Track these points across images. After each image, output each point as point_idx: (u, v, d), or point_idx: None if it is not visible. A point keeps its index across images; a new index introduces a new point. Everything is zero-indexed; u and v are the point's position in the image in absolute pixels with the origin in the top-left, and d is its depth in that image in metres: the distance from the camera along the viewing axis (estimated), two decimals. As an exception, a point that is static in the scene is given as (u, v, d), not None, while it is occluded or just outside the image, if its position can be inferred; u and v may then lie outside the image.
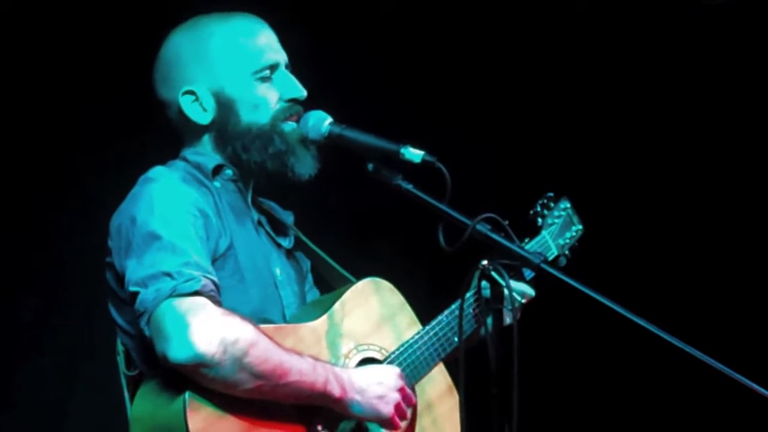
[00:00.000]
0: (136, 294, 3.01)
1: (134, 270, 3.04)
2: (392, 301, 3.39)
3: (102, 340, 3.36)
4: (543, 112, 5.35)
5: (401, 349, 3.31)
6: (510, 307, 2.85)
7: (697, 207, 5.30)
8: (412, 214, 3.11)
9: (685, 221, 5.32)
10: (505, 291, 2.84)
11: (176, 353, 2.93)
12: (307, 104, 3.34)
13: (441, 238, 2.91)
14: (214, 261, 3.15)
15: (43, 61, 4.49)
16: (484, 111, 5.28)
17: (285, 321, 3.29)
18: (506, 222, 2.96)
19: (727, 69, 5.22)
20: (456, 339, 3.33)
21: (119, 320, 3.20)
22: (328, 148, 3.28)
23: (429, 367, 3.35)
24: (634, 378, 5.31)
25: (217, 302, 3.02)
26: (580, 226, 3.76)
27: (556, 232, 3.69)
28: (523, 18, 5.28)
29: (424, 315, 3.41)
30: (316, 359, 3.11)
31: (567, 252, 3.72)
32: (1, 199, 4.45)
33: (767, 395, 2.80)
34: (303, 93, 3.33)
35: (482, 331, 3.35)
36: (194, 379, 2.96)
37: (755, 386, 2.79)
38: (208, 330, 2.94)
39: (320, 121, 3.26)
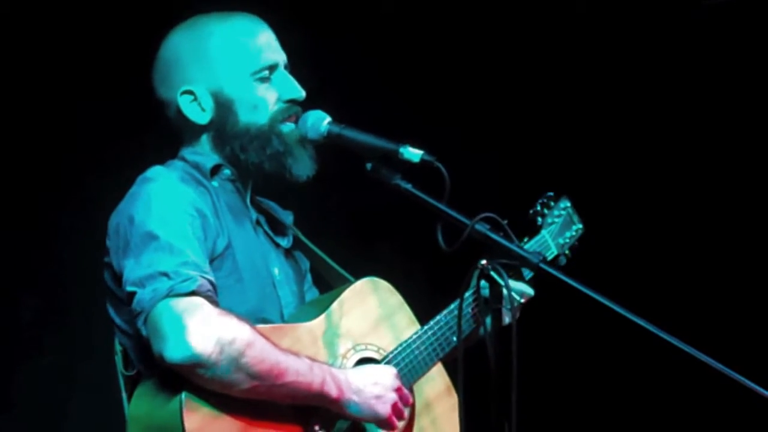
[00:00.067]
0: (133, 294, 3.01)
1: (132, 270, 3.04)
2: (390, 301, 3.39)
3: (101, 340, 3.36)
4: (543, 112, 5.34)
5: (399, 349, 3.31)
6: (509, 307, 2.85)
7: (697, 207, 5.30)
8: (411, 213, 3.11)
9: (685, 221, 5.32)
10: (504, 290, 2.84)
11: (173, 353, 2.93)
12: (307, 104, 3.34)
13: (440, 238, 2.91)
14: (211, 261, 3.15)
15: (43, 62, 4.49)
16: (483, 110, 5.27)
17: (283, 321, 3.29)
18: (505, 221, 2.96)
19: (727, 69, 5.22)
20: (454, 339, 3.32)
21: (117, 320, 3.21)
22: (327, 147, 3.28)
23: (427, 367, 3.34)
24: (634, 378, 5.31)
25: (214, 302, 3.02)
26: (581, 226, 3.75)
27: (556, 231, 3.68)
28: (523, 18, 5.28)
29: (423, 315, 3.41)
30: (313, 359, 3.10)
31: (567, 251, 3.72)
32: (1, 199, 4.45)
33: (767, 395, 2.79)
34: (302, 94, 3.33)
35: (481, 330, 3.34)
36: (191, 379, 2.96)
37: (754, 386, 2.79)
38: (204, 330, 2.94)
39: (319, 121, 3.25)
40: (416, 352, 3.32)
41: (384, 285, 3.39)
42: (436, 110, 5.15)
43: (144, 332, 3.00)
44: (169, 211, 3.10)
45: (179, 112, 3.30)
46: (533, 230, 3.64)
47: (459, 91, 5.25)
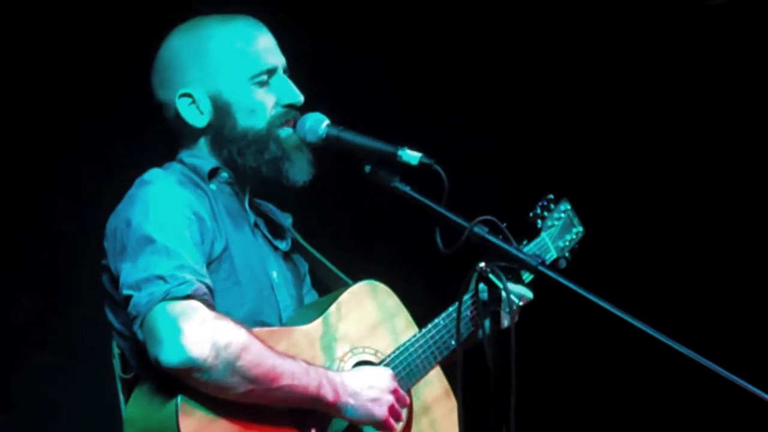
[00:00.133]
0: (129, 297, 3.01)
1: (128, 273, 3.04)
2: (388, 304, 3.39)
3: (101, 341, 3.36)
4: (543, 113, 5.34)
5: (397, 352, 3.30)
6: (508, 310, 2.84)
7: (697, 208, 5.30)
8: (410, 216, 3.10)
9: (685, 223, 5.31)
10: (503, 293, 2.84)
11: (168, 357, 2.93)
12: (306, 105, 3.34)
13: (438, 241, 2.91)
14: (209, 264, 3.15)
15: (42, 62, 4.48)
16: (483, 112, 5.27)
17: (281, 323, 3.29)
18: (504, 224, 2.95)
19: (727, 70, 5.21)
20: (453, 342, 3.32)
21: (115, 323, 3.21)
22: (325, 150, 3.27)
23: (425, 371, 3.34)
24: (632, 380, 5.31)
25: (210, 306, 3.02)
26: (581, 228, 3.75)
27: (556, 234, 3.67)
28: (523, 18, 5.27)
29: (421, 318, 3.40)
30: (310, 363, 3.10)
31: (567, 254, 3.71)
32: (1, 199, 4.45)
33: (765, 398, 2.79)
34: (300, 98, 3.32)
35: (480, 333, 3.34)
36: (187, 382, 2.96)
37: (753, 389, 2.78)
38: (200, 334, 2.94)
39: (317, 123, 3.25)
40: (414, 355, 3.32)
41: (382, 288, 3.39)
42: (435, 111, 5.15)
43: (140, 336, 3.00)
44: (166, 215, 3.10)
45: (177, 114, 3.29)
46: (533, 233, 3.63)
47: (458, 92, 5.24)
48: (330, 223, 4.81)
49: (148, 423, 3.03)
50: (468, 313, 3.38)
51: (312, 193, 3.38)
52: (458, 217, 2.95)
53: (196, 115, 3.29)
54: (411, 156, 3.04)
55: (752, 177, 5.26)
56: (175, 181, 3.22)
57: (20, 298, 4.52)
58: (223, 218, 3.26)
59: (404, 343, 3.32)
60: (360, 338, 3.29)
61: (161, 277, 2.98)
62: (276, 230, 3.45)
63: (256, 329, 3.08)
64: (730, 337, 5.03)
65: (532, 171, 5.14)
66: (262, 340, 3.03)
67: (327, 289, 3.45)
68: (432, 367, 3.35)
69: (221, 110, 3.28)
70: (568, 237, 3.71)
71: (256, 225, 3.38)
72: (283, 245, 3.45)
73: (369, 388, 3.14)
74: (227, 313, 3.05)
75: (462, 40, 5.25)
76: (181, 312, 2.95)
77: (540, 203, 3.67)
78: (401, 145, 3.07)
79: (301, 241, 3.48)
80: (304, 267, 3.52)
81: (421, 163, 3.02)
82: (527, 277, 3.33)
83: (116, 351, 3.23)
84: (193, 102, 3.28)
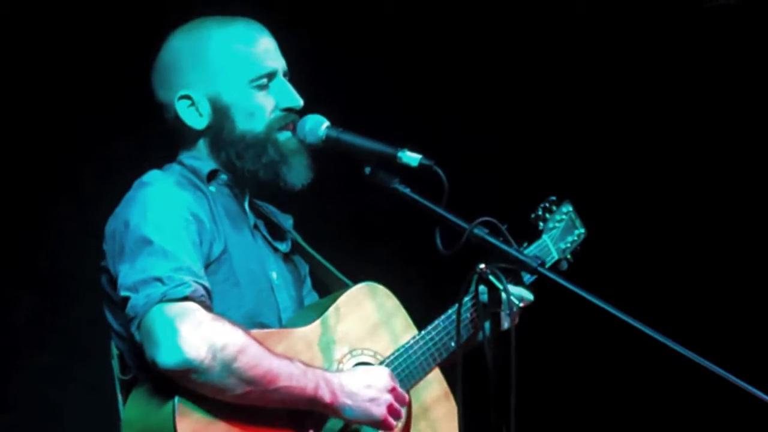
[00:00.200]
0: (127, 299, 3.01)
1: (126, 275, 3.04)
2: (388, 306, 3.38)
3: (100, 341, 3.36)
4: (543, 113, 5.34)
5: (396, 353, 3.30)
6: (508, 312, 2.84)
7: (699, 210, 5.29)
8: (410, 217, 3.10)
9: (686, 224, 5.31)
10: (503, 295, 2.83)
11: (165, 359, 2.93)
12: (305, 107, 3.33)
13: (438, 242, 2.91)
14: (207, 266, 3.15)
15: (42, 62, 4.48)
16: (483, 112, 5.26)
17: (281, 325, 3.29)
18: (504, 226, 2.95)
19: (728, 70, 5.21)
20: (453, 344, 3.32)
21: (114, 324, 3.21)
22: (325, 151, 3.27)
23: (425, 372, 3.33)
24: (633, 382, 5.31)
25: (208, 307, 3.02)
26: (583, 230, 3.75)
27: (558, 236, 3.67)
28: (523, 19, 5.27)
29: (421, 319, 3.40)
30: (307, 365, 3.09)
31: (568, 256, 3.71)
32: (1, 199, 4.44)
33: (765, 399, 2.78)
34: (299, 102, 3.32)
35: (480, 335, 3.33)
36: (184, 384, 2.96)
37: (754, 390, 2.78)
38: (196, 335, 2.94)
39: (317, 125, 3.25)
40: (413, 357, 3.31)
41: (381, 289, 3.38)
42: (435, 112, 5.14)
43: (137, 337, 3.00)
44: (165, 216, 3.10)
45: (177, 116, 3.29)
46: (534, 235, 3.63)
47: (458, 93, 5.24)
48: (330, 225, 4.81)
49: (146, 424, 3.03)
50: (468, 314, 3.38)
51: (312, 194, 3.37)
52: (458, 218, 2.95)
53: (195, 117, 3.29)
54: (411, 157, 3.04)
55: (754, 178, 5.25)
56: (173, 183, 3.21)
57: (20, 298, 4.52)
58: (222, 220, 3.25)
59: (403, 345, 3.32)
60: (359, 340, 3.28)
61: (159, 279, 2.98)
62: (276, 232, 3.45)
63: (254, 331, 3.08)
64: (730, 338, 5.03)
65: (533, 171, 5.13)
66: (259, 342, 3.03)
67: (327, 290, 3.45)
68: (431, 370, 3.35)
69: (220, 113, 3.27)
70: (570, 239, 3.71)
71: (256, 227, 3.38)
72: (284, 247, 3.45)
73: (367, 388, 3.14)
74: (225, 315, 3.05)
75: (462, 40, 5.25)
76: (178, 314, 2.95)
77: (542, 205, 3.67)
78: (401, 147, 3.06)
79: (302, 243, 3.48)
80: (305, 268, 3.51)
81: (421, 165, 3.02)
82: (528, 278, 3.33)
83: (115, 352, 3.23)
84: (193, 104, 3.28)
